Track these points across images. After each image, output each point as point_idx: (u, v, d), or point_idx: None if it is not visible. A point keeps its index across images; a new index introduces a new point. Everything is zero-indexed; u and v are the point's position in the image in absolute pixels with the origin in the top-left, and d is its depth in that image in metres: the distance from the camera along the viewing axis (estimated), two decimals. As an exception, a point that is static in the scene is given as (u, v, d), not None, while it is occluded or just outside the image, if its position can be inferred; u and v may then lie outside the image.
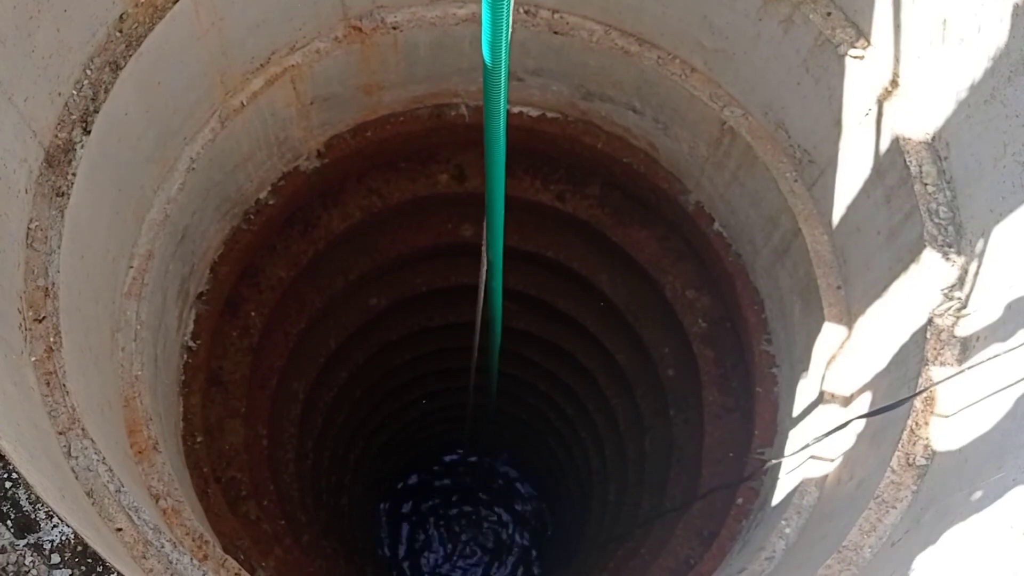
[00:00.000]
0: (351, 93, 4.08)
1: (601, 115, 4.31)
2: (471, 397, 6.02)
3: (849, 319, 3.38)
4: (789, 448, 3.60)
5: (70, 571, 1.94)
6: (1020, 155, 2.43)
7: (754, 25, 3.41)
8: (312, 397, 4.91)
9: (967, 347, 2.67)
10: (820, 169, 3.48)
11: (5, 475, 1.96)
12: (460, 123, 4.38)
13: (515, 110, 4.35)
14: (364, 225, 4.66)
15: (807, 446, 3.08)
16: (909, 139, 2.95)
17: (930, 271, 2.80)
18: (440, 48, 3.99)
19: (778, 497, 3.45)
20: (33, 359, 2.49)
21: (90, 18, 2.79)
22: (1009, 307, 2.46)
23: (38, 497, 1.97)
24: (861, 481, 2.82)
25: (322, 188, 4.50)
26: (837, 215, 3.42)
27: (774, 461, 3.52)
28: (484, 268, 3.76)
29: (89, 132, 2.76)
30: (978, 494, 2.22)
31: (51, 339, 2.54)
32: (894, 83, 3.06)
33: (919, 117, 2.96)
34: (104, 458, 2.50)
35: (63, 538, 1.96)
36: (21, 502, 1.96)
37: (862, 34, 3.15)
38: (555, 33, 3.87)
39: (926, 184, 2.87)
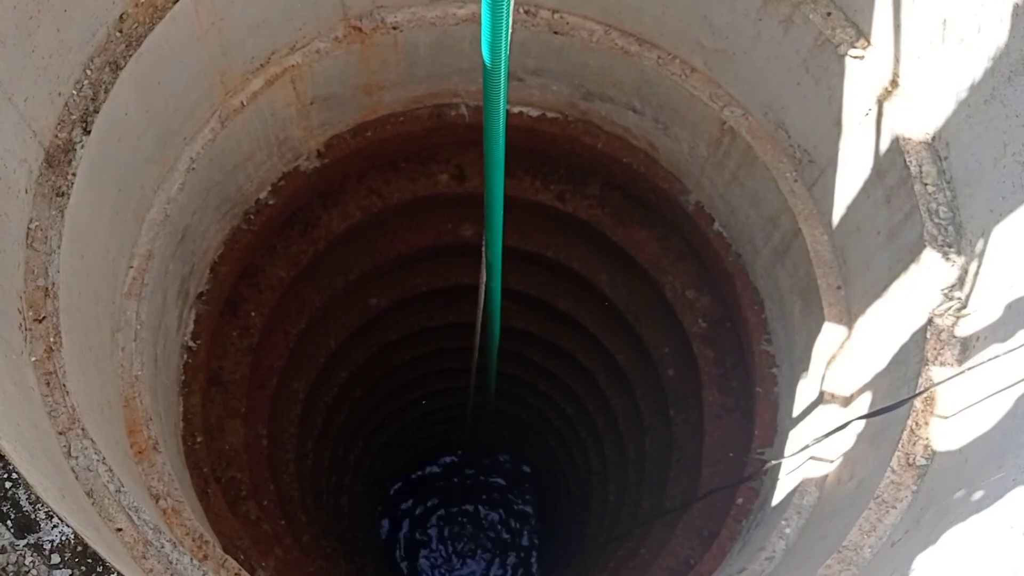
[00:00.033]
0: (351, 93, 4.08)
1: (601, 115, 4.31)
2: (471, 397, 6.02)
3: (849, 319, 3.38)
4: (789, 448, 3.60)
5: (70, 571, 1.94)
6: (1020, 155, 2.43)
7: (754, 25, 3.41)
8: (312, 397, 4.91)
9: (967, 347, 2.67)
10: (820, 169, 3.48)
11: (5, 475, 1.96)
12: (460, 123, 4.38)
13: (515, 110, 4.35)
14: (364, 225, 4.66)
15: (807, 447, 3.08)
16: (909, 139, 2.95)
17: (930, 271, 2.80)
18: (440, 48, 3.99)
19: (778, 497, 3.45)
20: (33, 359, 2.49)
21: (90, 18, 2.79)
22: (1009, 307, 2.46)
23: (38, 497, 1.97)
24: (861, 481, 2.82)
25: (322, 188, 4.50)
26: (837, 215, 3.42)
27: (774, 461, 3.52)
28: (484, 268, 3.75)
29: (89, 132, 2.76)
30: (978, 494, 2.22)
31: (51, 339, 2.54)
32: (894, 83, 3.06)
33: (919, 117, 2.96)
34: (104, 458, 2.50)
35: (63, 538, 1.96)
36: (21, 502, 1.95)
37: (862, 34, 3.15)
38: (555, 33, 3.87)
39: (926, 184, 2.87)
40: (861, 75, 3.12)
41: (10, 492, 1.96)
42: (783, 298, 3.86)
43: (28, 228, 2.60)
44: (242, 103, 3.59)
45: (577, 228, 4.83)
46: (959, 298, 2.73)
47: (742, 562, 3.19)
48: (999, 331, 2.49)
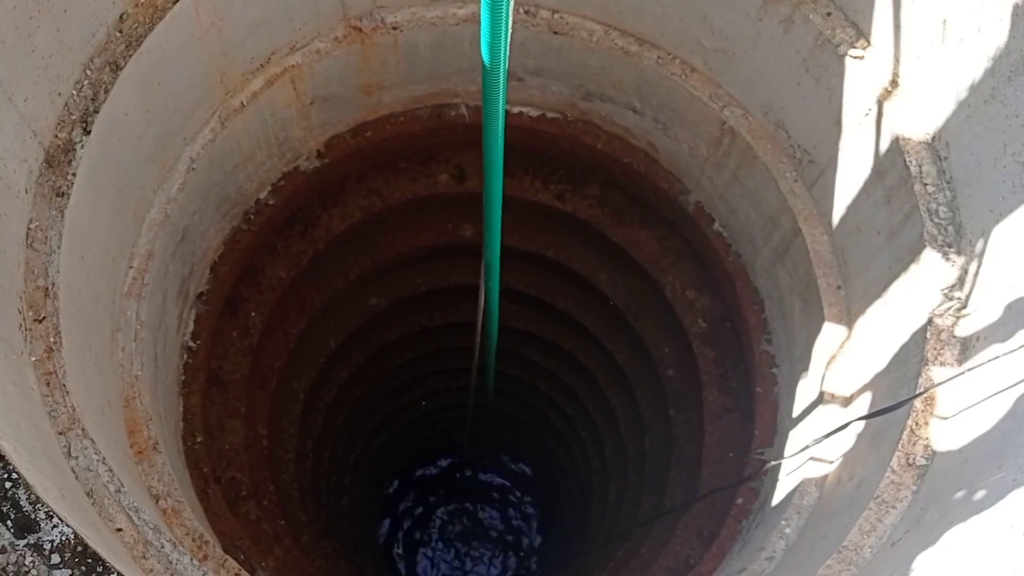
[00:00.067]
0: (351, 93, 4.08)
1: (601, 115, 4.31)
2: (471, 397, 6.02)
3: (849, 319, 3.38)
4: (789, 448, 3.60)
5: (70, 571, 1.94)
6: (1020, 155, 2.43)
7: (754, 25, 3.41)
8: (312, 397, 4.91)
9: (967, 347, 2.67)
10: (820, 169, 3.48)
11: (5, 475, 1.96)
12: (460, 123, 4.39)
13: (515, 110, 4.35)
14: (364, 225, 4.66)
15: (807, 447, 3.08)
16: (909, 139, 2.95)
17: (930, 271, 2.80)
18: (440, 48, 3.99)
19: (778, 497, 3.45)
20: (33, 359, 2.49)
21: (90, 18, 2.79)
22: (1009, 307, 2.46)
23: (38, 497, 1.97)
24: (861, 481, 2.82)
25: (322, 188, 4.50)
26: (837, 215, 3.42)
27: (774, 462, 3.52)
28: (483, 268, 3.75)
29: (89, 132, 2.76)
30: (978, 494, 2.22)
31: (51, 339, 2.54)
32: (894, 83, 3.06)
33: (919, 117, 2.96)
34: (104, 458, 2.50)
35: (63, 538, 1.96)
36: (21, 502, 1.96)
37: (862, 34, 3.15)
38: (555, 33, 3.87)
39: (926, 184, 2.87)
40: (861, 75, 3.12)
41: (10, 492, 1.96)
42: (783, 298, 3.86)
43: (28, 228, 2.60)
44: (242, 103, 3.59)
45: (577, 228, 4.83)
46: (959, 298, 2.73)
47: (742, 562, 3.19)
48: (999, 331, 2.49)
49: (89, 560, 1.96)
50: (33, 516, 1.95)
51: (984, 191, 2.63)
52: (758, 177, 3.78)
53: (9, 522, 1.93)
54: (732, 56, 3.61)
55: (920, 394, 2.63)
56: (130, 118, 3.00)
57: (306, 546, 4.19)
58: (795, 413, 3.70)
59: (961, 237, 2.77)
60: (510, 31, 2.23)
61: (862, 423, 2.98)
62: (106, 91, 2.83)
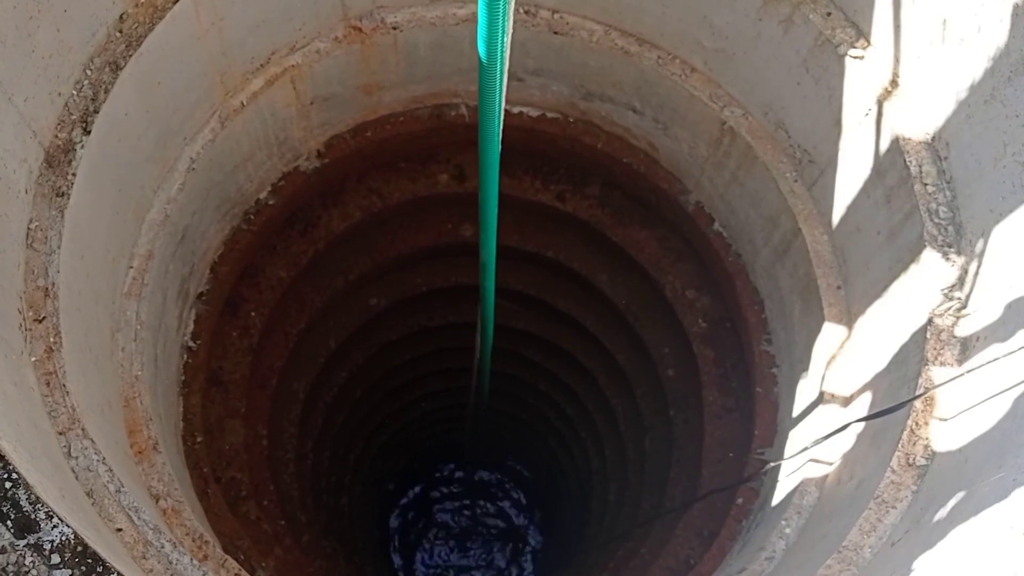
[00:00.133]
0: (351, 93, 4.08)
1: (601, 115, 4.31)
2: (472, 397, 6.02)
3: (849, 319, 3.38)
4: (789, 448, 3.60)
5: (70, 571, 1.94)
6: (1020, 155, 2.43)
7: (754, 25, 3.41)
8: (312, 397, 4.91)
9: (967, 347, 2.67)
10: (820, 169, 3.48)
11: (5, 475, 1.96)
12: (460, 123, 4.39)
13: (515, 110, 4.35)
14: (364, 225, 4.66)
15: (807, 448, 3.08)
16: (909, 139, 2.95)
17: (930, 271, 2.80)
18: (440, 48, 3.99)
19: (778, 497, 3.45)
20: (33, 359, 2.49)
21: (90, 18, 2.79)
22: (1009, 307, 2.46)
23: (38, 497, 1.97)
24: (861, 481, 2.82)
25: (322, 188, 4.50)
26: (837, 215, 3.42)
27: (773, 463, 3.52)
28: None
29: (89, 132, 2.76)
30: (978, 494, 2.22)
31: (51, 339, 2.54)
32: (894, 83, 3.06)
33: (919, 117, 2.96)
34: (104, 458, 2.50)
35: (63, 538, 1.96)
36: (21, 502, 1.96)
37: (862, 34, 3.15)
38: (555, 33, 3.87)
39: (926, 184, 2.87)
40: (861, 75, 3.12)
41: (10, 492, 1.96)
42: (783, 298, 3.86)
43: (28, 228, 2.60)
44: (242, 103, 3.59)
45: (577, 228, 4.83)
46: (959, 298, 2.73)
47: (742, 562, 3.19)
48: (999, 331, 2.49)
49: (89, 560, 1.96)
50: (33, 516, 1.95)
51: (984, 191, 2.63)
52: (758, 177, 3.78)
53: (9, 522, 1.93)
54: (732, 56, 3.61)
55: (920, 395, 2.63)
56: (130, 118, 3.00)
57: (306, 546, 4.19)
58: (795, 413, 3.70)
59: (961, 237, 2.77)
60: (510, 30, 2.22)
61: (862, 423, 2.98)
62: (106, 91, 2.83)
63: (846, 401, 3.27)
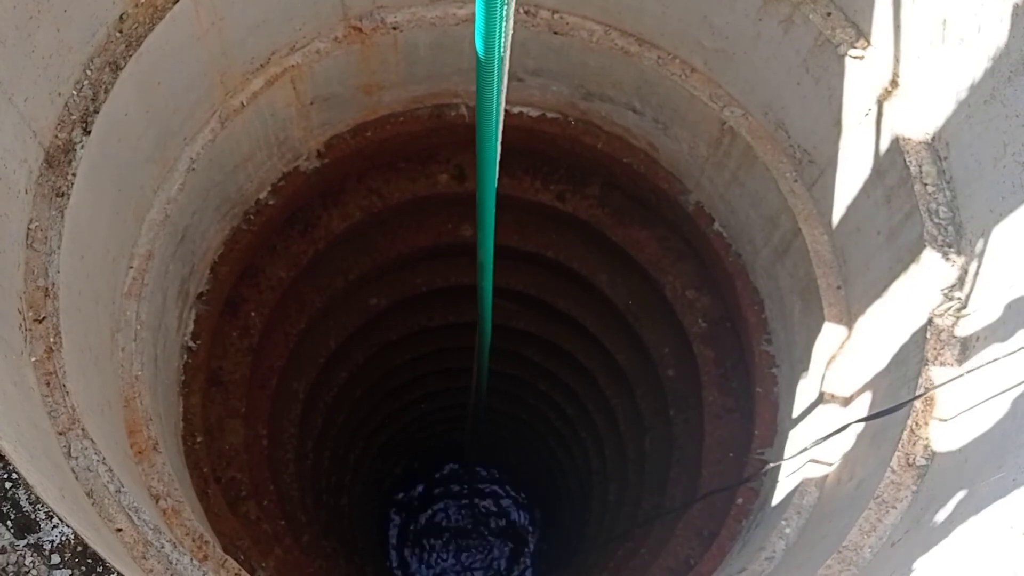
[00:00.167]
0: (351, 93, 4.08)
1: (601, 115, 4.31)
2: (472, 397, 6.02)
3: (849, 319, 3.38)
4: (789, 448, 3.60)
5: (70, 571, 1.94)
6: (1020, 155, 2.43)
7: (754, 25, 3.41)
8: (312, 397, 4.91)
9: (967, 347, 2.67)
10: (820, 169, 3.48)
11: (5, 475, 1.96)
12: (460, 123, 4.39)
13: (515, 110, 4.35)
14: (364, 225, 4.66)
15: (807, 448, 3.08)
16: (909, 139, 2.95)
17: (930, 271, 2.80)
18: (440, 48, 3.99)
19: (778, 497, 3.45)
20: (33, 359, 2.49)
21: (90, 18, 2.79)
22: (1009, 307, 2.46)
23: (38, 497, 1.97)
24: (861, 481, 2.82)
25: (322, 188, 4.50)
26: (837, 215, 3.42)
27: (773, 464, 3.52)
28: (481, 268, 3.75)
29: (89, 132, 2.76)
30: (978, 494, 2.22)
31: (51, 339, 2.54)
32: (894, 83, 3.06)
33: (919, 117, 2.96)
34: (104, 458, 2.50)
35: (63, 538, 1.96)
36: (21, 502, 1.96)
37: (862, 34, 3.15)
38: (555, 33, 3.87)
39: (926, 184, 2.87)
40: (861, 75, 3.12)
41: (10, 492, 1.96)
42: (783, 298, 3.86)
43: (28, 228, 2.60)
44: (242, 103, 3.59)
45: (577, 228, 4.83)
46: (959, 298, 2.73)
47: (742, 562, 3.19)
48: (999, 331, 2.49)
49: (89, 560, 1.96)
50: (33, 516, 1.95)
51: (984, 191, 2.63)
52: (758, 177, 3.78)
53: (9, 522, 1.93)
54: (732, 56, 3.61)
55: (920, 395, 2.63)
56: (130, 118, 3.00)
57: (306, 546, 4.19)
58: (795, 413, 3.70)
59: (961, 237, 2.77)
60: (510, 29, 2.21)
61: (862, 423, 2.98)
62: (106, 91, 2.83)
63: (846, 401, 3.27)
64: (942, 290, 2.76)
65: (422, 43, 3.94)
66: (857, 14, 3.15)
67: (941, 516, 2.35)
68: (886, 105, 3.04)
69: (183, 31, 3.10)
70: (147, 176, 3.28)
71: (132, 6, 2.94)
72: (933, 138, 2.91)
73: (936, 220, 2.82)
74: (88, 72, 2.82)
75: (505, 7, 2.09)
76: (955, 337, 2.71)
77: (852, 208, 3.31)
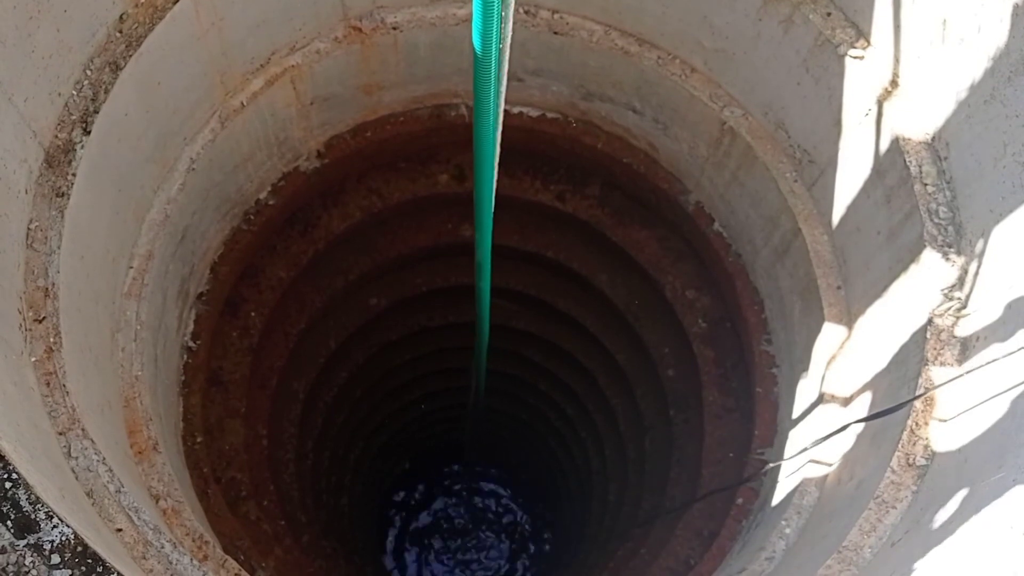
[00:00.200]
0: (351, 93, 4.08)
1: (601, 115, 4.31)
2: (472, 397, 6.02)
3: (849, 319, 3.38)
4: (789, 448, 3.60)
5: (70, 571, 1.94)
6: (1020, 155, 2.43)
7: (754, 25, 3.41)
8: (312, 397, 4.91)
9: (967, 347, 2.67)
10: (820, 169, 3.48)
11: (5, 475, 1.96)
12: (460, 123, 4.39)
13: (515, 110, 4.35)
14: (364, 225, 4.66)
15: (807, 448, 3.08)
16: (909, 139, 2.95)
17: (930, 271, 2.80)
18: (440, 48, 3.99)
19: (778, 497, 3.45)
20: (33, 359, 2.49)
21: (90, 18, 2.79)
22: (1009, 307, 2.46)
23: (38, 497, 1.97)
24: (861, 481, 2.82)
25: (322, 188, 4.50)
26: (837, 215, 3.42)
27: (773, 464, 3.52)
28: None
29: (89, 132, 2.76)
30: (978, 494, 2.22)
31: (51, 339, 2.54)
32: (894, 83, 3.06)
33: (919, 117, 2.96)
34: (104, 458, 2.50)
35: (63, 538, 1.96)
36: (21, 502, 1.96)
37: (862, 34, 3.15)
38: (555, 33, 3.87)
39: (926, 184, 2.87)
40: (861, 75, 3.12)
41: (10, 492, 1.96)
42: (783, 298, 3.86)
43: (28, 228, 2.60)
44: (242, 103, 3.59)
45: (577, 228, 4.83)
46: (959, 298, 2.73)
47: (742, 562, 3.19)
48: (999, 331, 2.49)
49: (89, 560, 1.96)
50: (33, 516, 1.95)
51: (984, 191, 2.63)
52: (758, 177, 3.78)
53: (9, 522, 1.93)
54: (732, 56, 3.61)
55: (920, 395, 2.63)
56: (130, 118, 3.00)
57: (306, 546, 4.19)
58: (795, 413, 3.70)
59: (961, 237, 2.77)
60: (510, 28, 2.21)
61: (862, 423, 2.98)
62: (106, 91, 2.83)
63: (846, 401, 3.27)
64: (942, 290, 2.76)
65: (422, 43, 3.94)
66: (857, 14, 3.15)
67: (941, 516, 2.35)
68: (886, 105, 3.04)
69: (183, 31, 3.10)
70: (147, 176, 3.28)
71: (132, 6, 2.94)
72: (933, 138, 2.91)
73: (936, 220, 2.82)
74: (88, 72, 2.82)
75: (502, 3, 2.08)
76: (955, 337, 2.71)
77: (852, 208, 3.31)
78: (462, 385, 6.01)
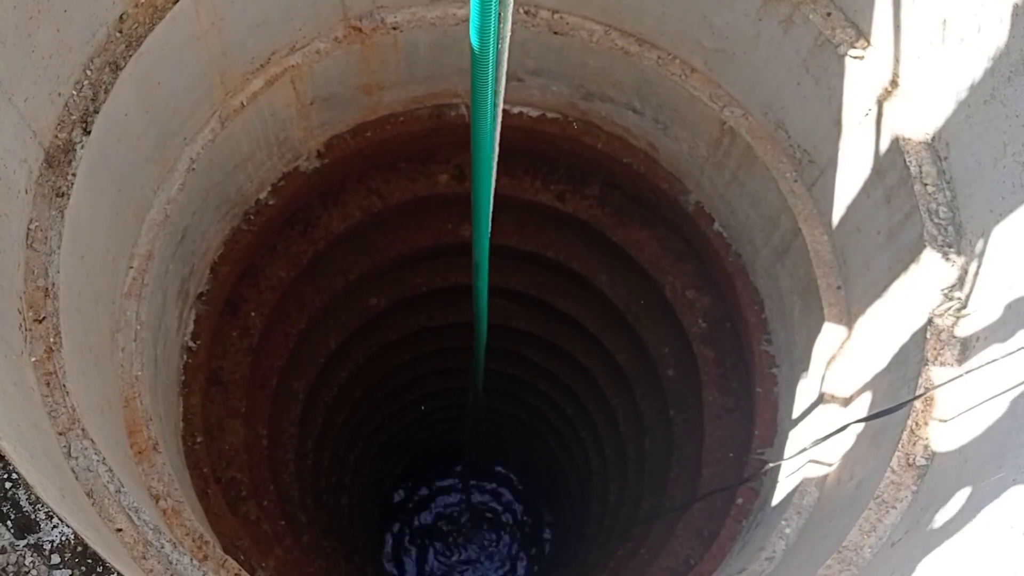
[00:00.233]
0: (351, 93, 4.08)
1: (601, 115, 4.31)
2: (471, 397, 6.02)
3: (849, 319, 3.38)
4: (789, 448, 3.60)
5: (70, 571, 1.94)
6: (1020, 155, 2.43)
7: (754, 25, 3.41)
8: (312, 397, 4.91)
9: (967, 347, 2.67)
10: (820, 169, 3.48)
11: (5, 475, 1.96)
12: (460, 123, 4.39)
13: (515, 110, 4.35)
14: (364, 225, 4.66)
15: (807, 448, 3.08)
16: (909, 139, 2.95)
17: (930, 271, 2.80)
18: (440, 48, 3.99)
19: (778, 497, 3.45)
20: (33, 359, 2.49)
21: (90, 18, 2.79)
22: (1009, 307, 2.46)
23: (38, 497, 1.97)
24: (861, 481, 2.82)
25: (322, 188, 4.50)
26: (837, 215, 3.42)
27: (773, 463, 3.52)
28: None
29: (89, 132, 2.76)
30: (978, 494, 2.22)
31: (51, 339, 2.54)
32: (894, 83, 3.06)
33: (919, 117, 2.96)
34: (104, 458, 2.50)
35: (63, 538, 1.96)
36: (21, 502, 1.96)
37: (862, 34, 3.15)
38: (555, 33, 3.87)
39: (926, 184, 2.87)
40: (861, 75, 3.12)
41: (10, 492, 1.96)
42: (783, 298, 3.86)
43: (28, 228, 2.60)
44: (242, 103, 3.59)
45: (577, 228, 4.83)
46: (959, 298, 2.73)
47: (742, 562, 3.19)
48: (999, 331, 2.49)
49: (89, 560, 1.96)
50: (33, 516, 1.95)
51: (984, 191, 2.63)
52: (758, 177, 3.78)
53: (9, 522, 1.93)
54: (732, 56, 3.61)
55: (920, 395, 2.63)
56: (130, 118, 3.00)
57: (306, 546, 4.19)
58: (795, 413, 3.70)
59: (961, 237, 2.77)
60: (509, 26, 2.20)
61: (862, 423, 2.98)
62: (106, 91, 2.83)
63: (846, 401, 3.27)
64: (942, 290, 2.76)
65: (422, 43, 3.94)
66: (857, 14, 3.15)
67: (941, 516, 2.35)
68: (886, 105, 3.04)
69: (183, 31, 3.10)
70: (147, 176, 3.28)
71: (132, 6, 2.94)
72: (933, 138, 2.91)
73: (936, 220, 2.82)
74: (88, 72, 2.82)
75: (500, 2, 2.07)
76: (955, 337, 2.71)
77: (852, 208, 3.31)
78: (462, 385, 6.01)
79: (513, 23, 2.22)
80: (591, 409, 5.89)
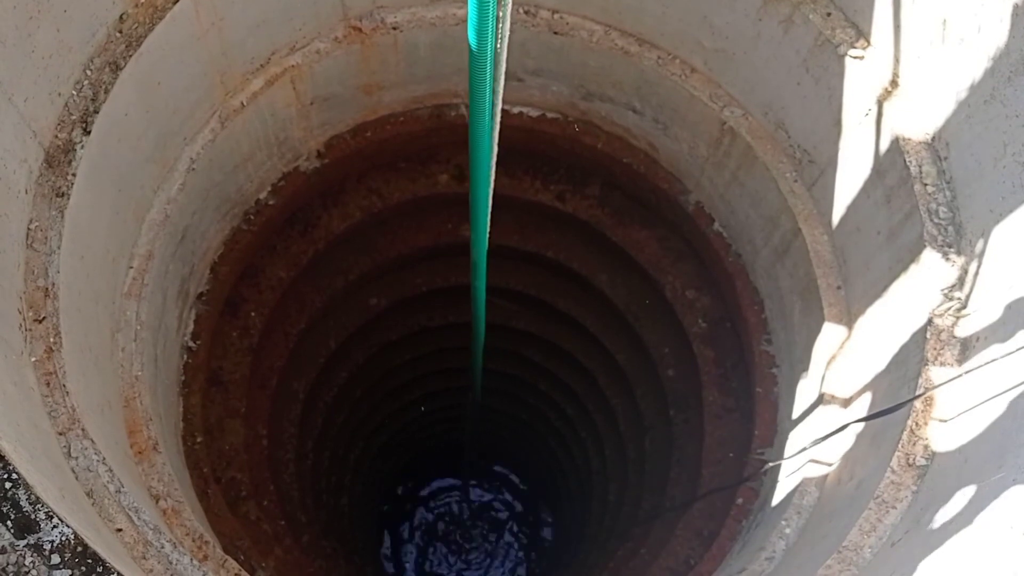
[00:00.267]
0: (351, 93, 4.08)
1: (601, 115, 4.31)
2: (469, 397, 6.02)
3: (849, 319, 3.38)
4: (789, 448, 3.60)
5: (70, 571, 1.94)
6: (1020, 155, 2.43)
7: (754, 25, 3.41)
8: (312, 397, 4.91)
9: (967, 347, 2.67)
10: (820, 169, 3.48)
11: (5, 475, 1.96)
12: (460, 123, 4.39)
13: (515, 110, 4.35)
14: (364, 225, 4.66)
15: (807, 448, 3.08)
16: (909, 139, 2.95)
17: (930, 271, 2.80)
18: (440, 48, 3.99)
19: (778, 497, 3.45)
20: (33, 359, 2.49)
21: (90, 18, 2.79)
22: (1009, 307, 2.46)
23: (38, 497, 1.97)
24: (861, 481, 2.82)
25: (322, 188, 4.50)
26: (837, 215, 3.42)
27: (773, 463, 3.52)
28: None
29: (89, 132, 2.76)
30: (978, 494, 2.22)
31: (51, 339, 2.54)
32: (894, 83, 3.06)
33: (919, 117, 2.96)
34: (104, 458, 2.50)
35: (63, 538, 1.96)
36: (21, 502, 1.96)
37: (862, 34, 3.16)
38: (555, 33, 3.87)
39: (926, 184, 2.87)
40: (861, 75, 3.12)
41: (10, 492, 1.96)
42: (783, 298, 3.86)
43: (28, 228, 2.60)
44: (242, 103, 3.59)
45: (577, 228, 4.83)
46: (959, 298, 2.73)
47: (742, 562, 3.19)
48: (999, 331, 2.49)
49: (89, 560, 1.96)
50: (33, 516, 1.95)
51: (984, 191, 2.63)
52: (758, 177, 3.78)
53: (9, 522, 1.93)
54: (732, 56, 3.61)
55: (920, 395, 2.63)
56: (130, 118, 3.00)
57: (306, 546, 4.19)
58: (795, 413, 3.70)
59: (961, 237, 2.77)
60: (507, 24, 2.20)
61: (862, 423, 2.98)
62: (106, 91, 2.83)
63: (846, 401, 3.27)
64: (942, 290, 2.76)
65: (422, 43, 3.94)
66: (857, 14, 3.15)
67: (941, 516, 2.35)
68: (886, 105, 3.04)
69: (183, 31, 3.10)
70: (147, 176, 3.28)
71: (132, 6, 2.94)
72: (933, 138, 2.91)
73: (936, 220, 2.82)
74: (88, 72, 2.82)
75: (498, 1, 2.07)
76: (955, 337, 2.71)
77: (852, 208, 3.31)
78: (462, 385, 6.01)
79: (513, 23, 2.23)
80: (591, 409, 5.89)
